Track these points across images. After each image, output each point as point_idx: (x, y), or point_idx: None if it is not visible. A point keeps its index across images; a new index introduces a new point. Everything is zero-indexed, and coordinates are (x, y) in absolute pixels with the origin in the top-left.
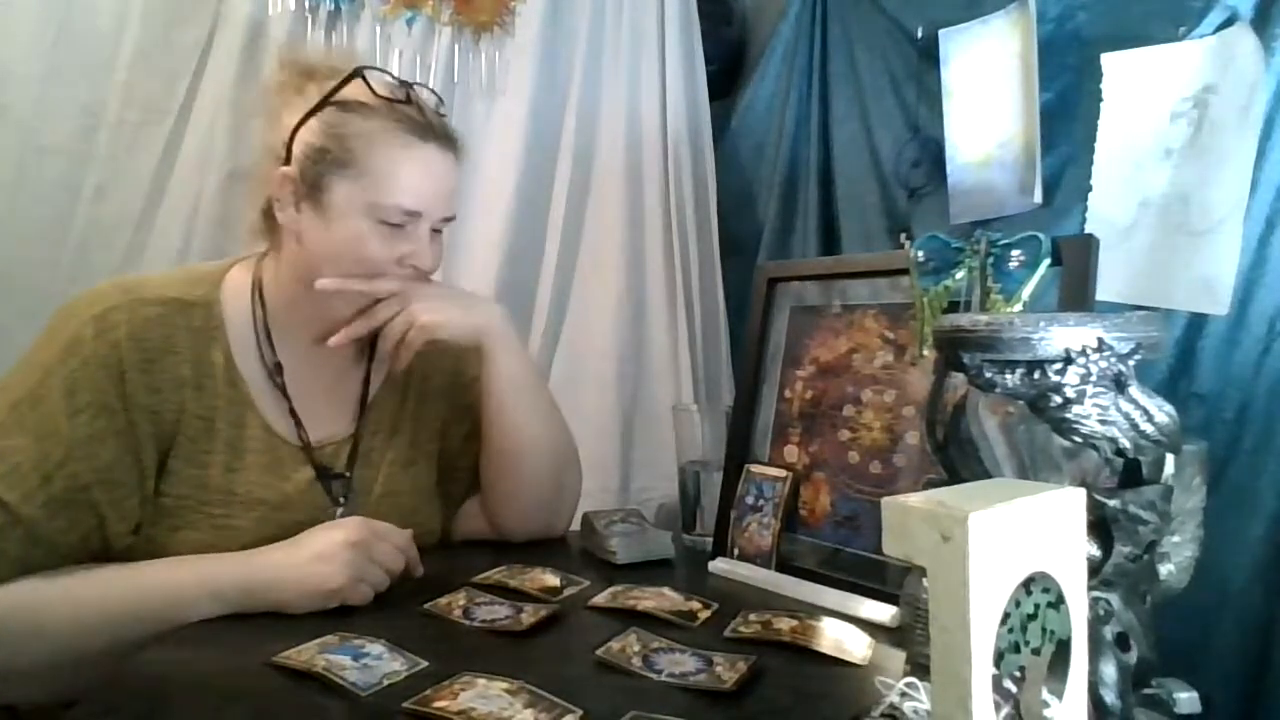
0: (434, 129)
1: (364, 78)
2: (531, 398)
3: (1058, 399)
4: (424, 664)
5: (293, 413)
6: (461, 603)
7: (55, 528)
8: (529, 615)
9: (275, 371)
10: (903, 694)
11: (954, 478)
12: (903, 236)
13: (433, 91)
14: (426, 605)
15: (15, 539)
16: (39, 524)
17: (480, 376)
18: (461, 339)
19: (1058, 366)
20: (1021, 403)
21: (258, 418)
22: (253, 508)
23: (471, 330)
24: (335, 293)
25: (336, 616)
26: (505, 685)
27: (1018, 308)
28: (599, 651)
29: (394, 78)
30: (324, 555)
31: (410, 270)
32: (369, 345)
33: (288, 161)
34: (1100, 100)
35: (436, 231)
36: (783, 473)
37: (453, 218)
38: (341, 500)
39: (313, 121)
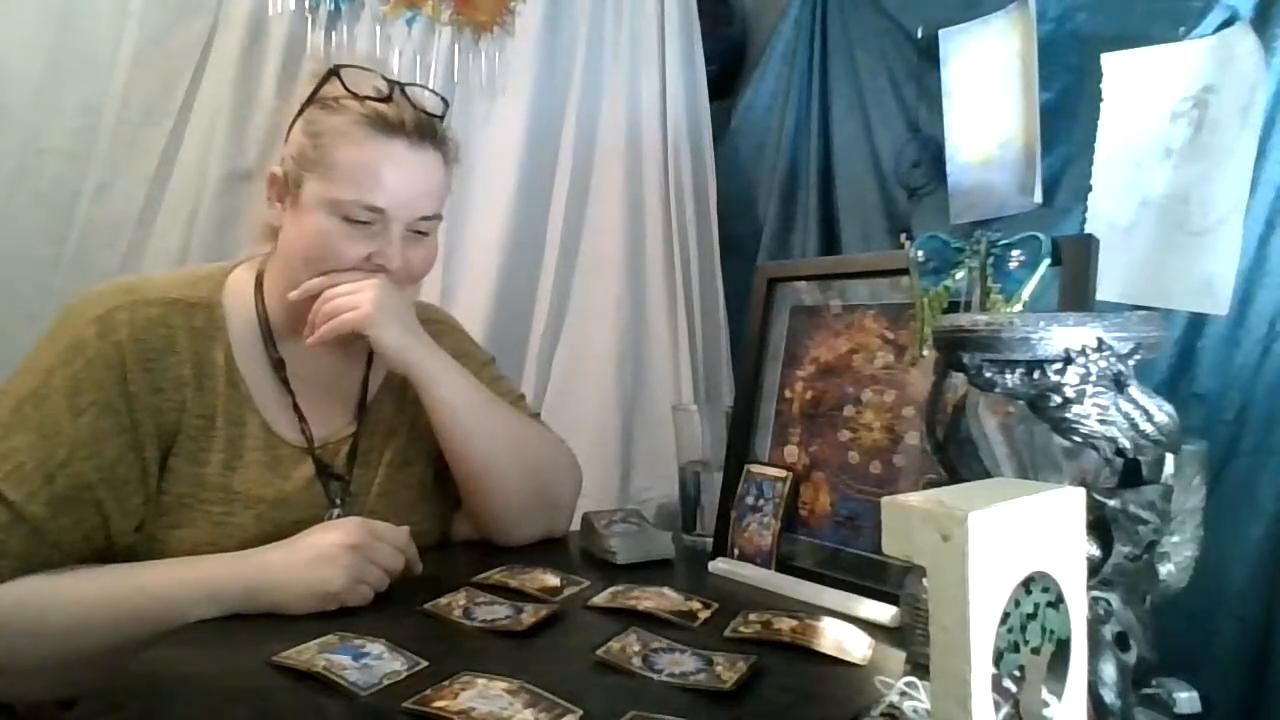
0: (405, 126)
1: (338, 75)
2: (481, 421)
3: (1058, 399)
4: (424, 664)
5: (296, 409)
6: (462, 602)
7: (59, 526)
8: (529, 615)
9: (277, 368)
10: (903, 694)
11: (954, 478)
12: (903, 236)
13: (434, 93)
14: (426, 605)
15: (19, 537)
16: (43, 522)
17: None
18: (387, 355)
19: (1057, 366)
20: (1021, 403)
21: (257, 417)
22: (251, 506)
23: (399, 356)
24: (304, 300)
25: (336, 617)
26: (505, 685)
27: (1018, 308)
28: (599, 651)
29: (384, 77)
30: (323, 558)
31: (378, 269)
32: (367, 346)
33: (281, 162)
34: (1100, 100)
35: (421, 234)
36: (783, 473)
37: (433, 218)
38: (338, 501)
39: (298, 122)
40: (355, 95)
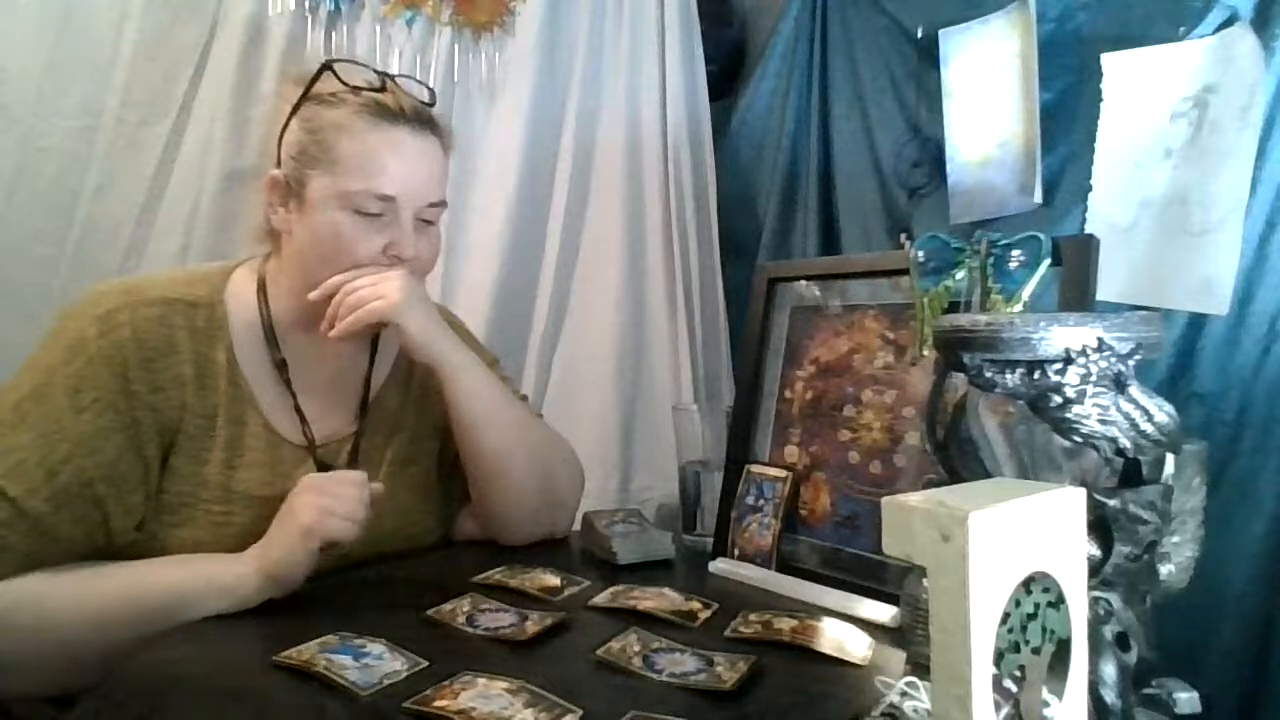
0: (405, 113)
1: (332, 69)
2: (499, 415)
3: (1058, 399)
4: (424, 664)
5: (298, 409)
6: (465, 609)
7: (60, 522)
8: (533, 624)
9: (280, 369)
10: (903, 694)
11: (954, 478)
12: (903, 236)
13: (422, 83)
14: (429, 612)
15: (21, 533)
16: (44, 519)
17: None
18: (412, 344)
19: (1058, 366)
20: (1021, 403)
21: (258, 416)
22: (251, 505)
23: (425, 348)
24: (325, 299)
25: (337, 617)
26: (505, 685)
27: (1018, 308)
28: (599, 651)
29: (373, 70)
30: (289, 513)
31: (395, 261)
32: (370, 345)
33: (278, 165)
34: (1100, 100)
35: (428, 223)
36: (783, 473)
37: (440, 204)
38: None
39: (294, 122)
40: (350, 87)
